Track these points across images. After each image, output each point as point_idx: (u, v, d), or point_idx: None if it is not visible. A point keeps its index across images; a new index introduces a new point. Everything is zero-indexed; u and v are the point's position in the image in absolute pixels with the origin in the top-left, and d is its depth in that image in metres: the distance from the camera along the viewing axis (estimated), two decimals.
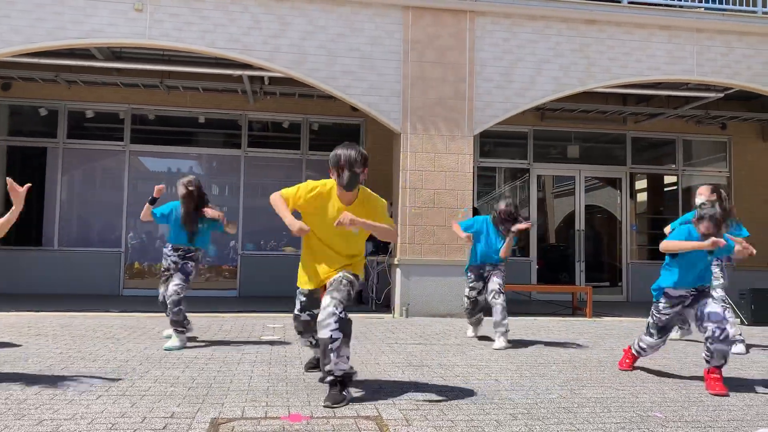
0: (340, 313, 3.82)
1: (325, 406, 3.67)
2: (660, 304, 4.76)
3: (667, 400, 4.08)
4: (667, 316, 4.74)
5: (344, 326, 3.81)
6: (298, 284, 4.30)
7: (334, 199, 4.12)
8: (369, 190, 4.24)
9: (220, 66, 9.97)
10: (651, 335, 4.86)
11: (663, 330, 4.82)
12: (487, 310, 6.47)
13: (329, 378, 3.81)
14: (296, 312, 4.28)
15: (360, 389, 4.14)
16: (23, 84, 11.26)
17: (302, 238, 4.23)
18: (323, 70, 8.68)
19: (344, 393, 3.80)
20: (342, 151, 3.99)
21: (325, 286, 4.12)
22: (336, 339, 3.77)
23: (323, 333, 3.78)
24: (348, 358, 3.87)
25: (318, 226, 4.14)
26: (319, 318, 3.85)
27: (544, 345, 6.36)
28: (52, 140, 11.47)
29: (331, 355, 3.76)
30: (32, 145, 11.51)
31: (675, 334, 6.90)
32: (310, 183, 4.16)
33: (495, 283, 6.29)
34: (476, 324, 6.82)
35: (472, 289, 6.50)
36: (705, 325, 4.42)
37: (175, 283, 5.81)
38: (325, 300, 3.89)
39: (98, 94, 11.49)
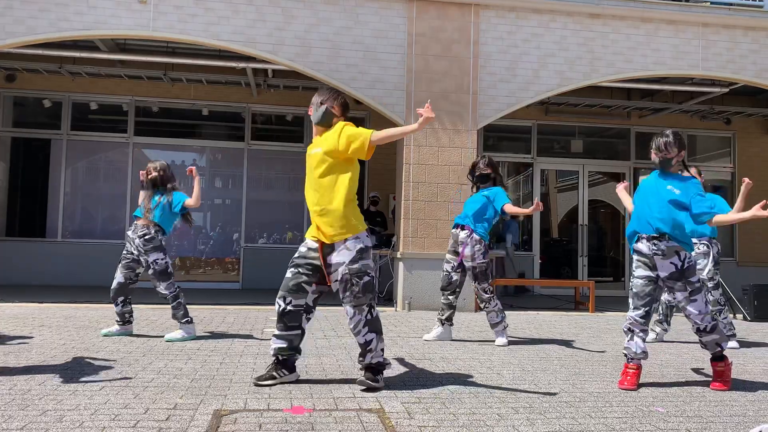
0: (367, 316, 3.97)
1: (362, 389, 3.92)
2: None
3: (669, 395, 4.08)
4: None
5: (374, 326, 4.00)
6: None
7: (315, 139, 4.18)
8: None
9: (224, 58, 9.96)
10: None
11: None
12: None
13: (364, 366, 4.03)
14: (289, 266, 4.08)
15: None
16: (27, 75, 11.27)
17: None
18: (327, 63, 8.67)
19: (378, 377, 3.99)
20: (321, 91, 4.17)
21: (322, 244, 3.96)
22: (371, 341, 3.98)
23: (359, 339, 3.99)
24: (383, 350, 4.05)
25: (308, 168, 4.13)
26: (349, 326, 4.01)
27: (547, 339, 6.37)
28: (56, 132, 11.48)
29: (368, 354, 3.99)
30: (36, 136, 11.53)
31: (651, 335, 6.41)
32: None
33: (472, 273, 5.85)
34: (444, 317, 6.05)
35: (446, 261, 6.00)
36: (690, 319, 4.38)
37: (164, 288, 5.79)
38: (348, 311, 3.97)
39: (102, 86, 11.50)
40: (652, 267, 4.31)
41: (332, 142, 3.99)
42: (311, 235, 4.08)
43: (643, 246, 4.36)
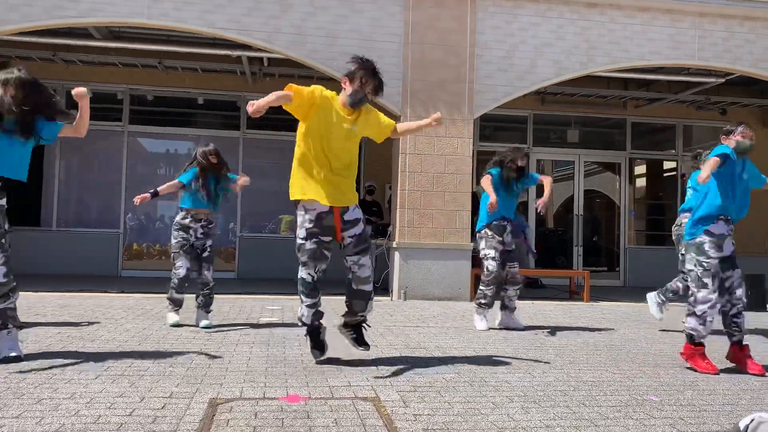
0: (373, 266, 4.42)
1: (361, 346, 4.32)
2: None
3: (663, 384, 4.11)
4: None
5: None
6: (297, 196, 4.18)
7: (338, 109, 4.22)
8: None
9: (219, 47, 9.90)
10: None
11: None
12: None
13: (360, 321, 4.40)
14: (300, 241, 4.16)
15: (358, 371, 4.17)
16: (21, 63, 11.17)
17: (301, 147, 4.22)
18: (323, 51, 8.62)
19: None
20: (365, 63, 4.29)
21: (336, 209, 4.16)
22: (373, 290, 4.40)
23: (367, 287, 4.31)
24: None
25: (323, 134, 4.15)
26: (364, 274, 4.26)
27: (541, 329, 6.39)
28: None
29: (370, 302, 4.37)
30: None
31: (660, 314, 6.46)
32: (319, 87, 4.25)
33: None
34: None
35: (493, 258, 6.16)
36: (737, 301, 4.58)
37: (211, 270, 5.91)
38: (365, 261, 4.26)
39: (96, 74, 11.42)
40: (720, 247, 4.49)
41: (375, 129, 4.41)
42: (326, 200, 4.13)
43: (722, 227, 4.49)
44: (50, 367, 4.00)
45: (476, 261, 10.30)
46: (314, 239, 4.15)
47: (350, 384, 3.81)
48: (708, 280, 4.40)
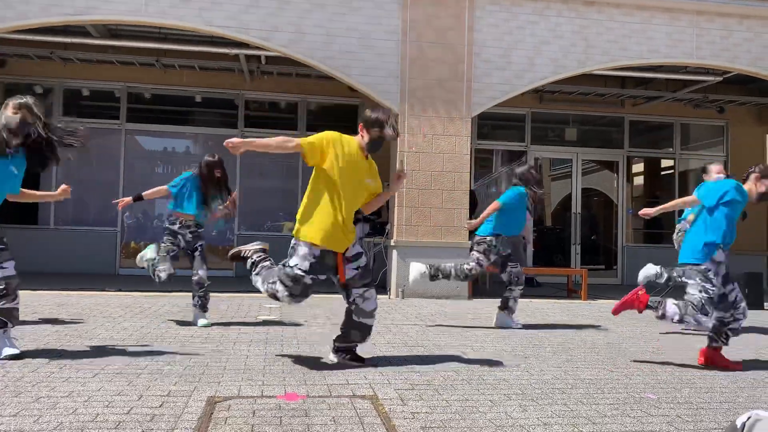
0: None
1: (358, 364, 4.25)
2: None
3: (660, 382, 4.11)
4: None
5: None
6: (311, 239, 4.04)
7: (359, 155, 4.22)
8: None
9: (217, 44, 9.89)
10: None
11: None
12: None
13: (354, 346, 4.36)
14: (299, 272, 4.00)
15: (356, 369, 4.17)
16: (18, 61, 11.15)
17: (321, 190, 4.11)
18: (321, 49, 8.62)
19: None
20: (390, 132, 4.19)
21: (342, 254, 4.16)
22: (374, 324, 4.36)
23: (370, 321, 4.26)
24: None
25: (345, 180, 4.10)
26: (369, 308, 4.20)
27: (539, 327, 6.40)
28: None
29: (369, 336, 4.34)
30: None
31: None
32: (336, 133, 4.24)
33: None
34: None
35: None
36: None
37: (205, 269, 5.90)
38: (370, 293, 4.21)
39: (94, 72, 11.39)
40: (718, 275, 4.53)
41: (377, 183, 4.36)
42: (340, 248, 4.13)
43: (723, 256, 4.55)
44: (48, 366, 3.99)
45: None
46: (312, 276, 4.05)
47: (348, 382, 3.82)
48: (711, 309, 4.45)
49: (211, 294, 6.05)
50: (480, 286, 10.36)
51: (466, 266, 6.21)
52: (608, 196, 13.20)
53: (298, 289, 4.03)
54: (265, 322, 6.10)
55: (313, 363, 4.32)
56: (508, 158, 12.95)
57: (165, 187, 5.90)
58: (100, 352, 4.48)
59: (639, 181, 13.68)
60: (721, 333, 4.61)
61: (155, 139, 11.93)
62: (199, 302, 5.86)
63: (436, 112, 8.85)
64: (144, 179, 10.78)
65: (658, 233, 13.02)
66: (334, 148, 4.11)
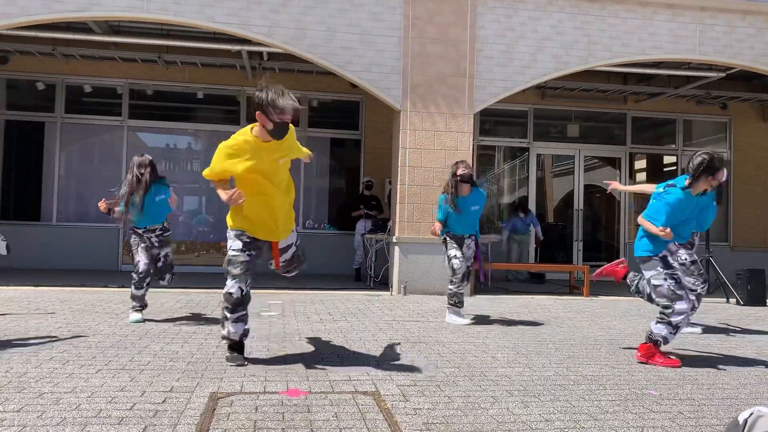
0: None
1: None
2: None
3: (662, 378, 4.11)
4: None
5: None
6: (238, 226, 4.08)
7: (259, 144, 3.96)
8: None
9: (219, 41, 9.87)
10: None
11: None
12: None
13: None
14: (234, 252, 4.04)
15: (358, 365, 4.18)
16: (20, 58, 11.16)
17: (241, 187, 4.01)
18: (323, 45, 8.61)
19: None
20: (290, 103, 3.85)
21: (274, 243, 4.25)
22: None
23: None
24: None
25: (254, 179, 4.00)
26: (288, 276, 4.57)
27: (541, 323, 6.40)
28: (49, 115, 11.40)
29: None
30: (30, 119, 11.44)
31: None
32: (231, 143, 3.96)
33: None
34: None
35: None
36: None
37: (167, 278, 6.00)
38: (295, 272, 4.62)
39: (96, 69, 11.40)
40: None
41: (291, 147, 4.21)
42: (261, 236, 4.15)
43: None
44: (51, 362, 4.01)
45: (475, 256, 10.32)
46: (248, 252, 4.07)
47: (350, 378, 3.82)
48: (681, 292, 4.47)
49: (214, 290, 6.06)
50: (481, 283, 10.36)
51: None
52: (610, 192, 13.18)
53: (239, 269, 4.02)
54: (267, 319, 6.10)
55: (316, 359, 4.33)
56: (511, 155, 12.95)
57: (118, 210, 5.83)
58: (102, 348, 4.49)
59: (641, 177, 13.66)
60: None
61: (157, 136, 11.94)
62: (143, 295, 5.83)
63: (438, 108, 8.84)
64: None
65: None
66: (230, 157, 3.95)
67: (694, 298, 4.98)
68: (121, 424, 2.86)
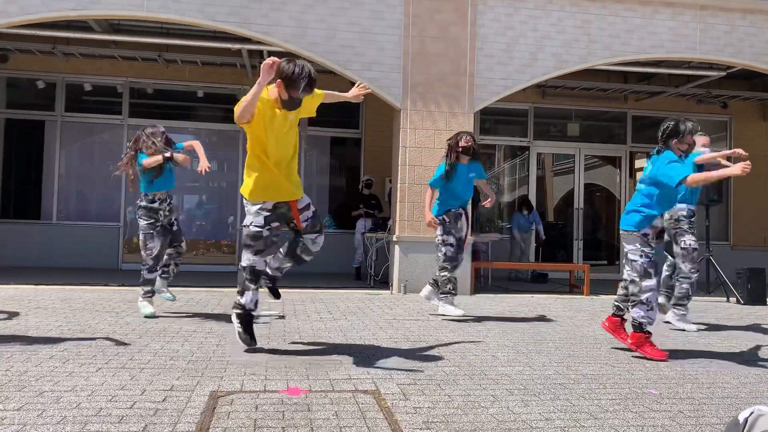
0: None
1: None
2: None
3: (663, 377, 4.11)
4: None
5: None
6: (253, 198, 4.26)
7: (274, 108, 4.18)
8: None
9: (219, 39, 9.87)
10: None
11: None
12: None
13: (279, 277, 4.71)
14: (256, 229, 4.23)
15: (358, 364, 4.18)
16: (20, 56, 11.16)
17: (253, 149, 4.25)
18: (323, 44, 8.60)
19: None
20: (308, 67, 4.07)
21: (293, 203, 4.36)
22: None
23: (308, 258, 4.60)
24: None
25: (266, 137, 4.19)
26: (314, 249, 4.53)
27: (541, 322, 6.40)
28: (50, 113, 11.40)
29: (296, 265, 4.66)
30: (30, 118, 11.45)
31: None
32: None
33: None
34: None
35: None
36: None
37: (185, 241, 6.28)
38: (321, 239, 4.55)
39: (96, 67, 11.40)
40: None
41: (308, 106, 4.43)
42: (278, 199, 4.31)
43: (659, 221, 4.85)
44: (51, 360, 4.01)
45: (476, 254, 10.33)
46: (269, 227, 4.28)
47: (350, 377, 3.82)
48: (652, 270, 4.65)
49: (214, 289, 6.07)
50: (481, 281, 10.36)
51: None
52: (611, 191, 13.18)
53: (261, 245, 4.27)
54: (267, 318, 6.10)
55: (316, 358, 4.33)
56: (511, 153, 12.94)
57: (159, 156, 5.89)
58: (103, 346, 4.50)
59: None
60: (625, 303, 4.89)
61: None
62: (174, 271, 6.16)
63: (438, 107, 8.84)
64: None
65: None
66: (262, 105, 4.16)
67: (687, 286, 5.77)
68: (121, 422, 2.86)
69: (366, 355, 4.46)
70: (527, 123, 12.56)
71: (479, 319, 6.44)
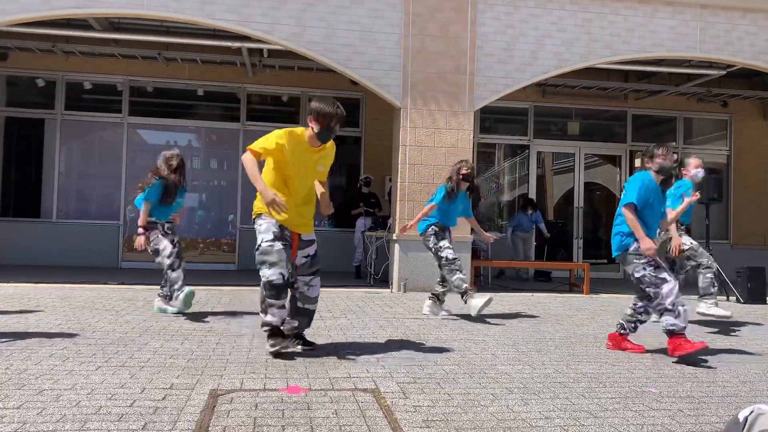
0: None
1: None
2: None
3: (662, 375, 4.12)
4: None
5: None
6: (267, 213, 4.29)
7: (306, 145, 4.38)
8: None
9: (219, 38, 9.87)
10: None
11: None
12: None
13: (301, 332, 4.55)
14: (268, 244, 4.21)
15: (358, 363, 4.18)
16: (20, 54, 11.15)
17: (274, 176, 4.35)
18: (323, 42, 8.59)
19: None
20: (338, 110, 4.34)
21: (295, 235, 4.39)
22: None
23: (313, 307, 4.51)
24: None
25: (294, 172, 4.34)
26: (314, 294, 4.47)
27: (541, 321, 6.40)
28: (50, 111, 11.39)
29: (311, 321, 4.58)
30: (30, 116, 11.44)
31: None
32: (286, 131, 4.33)
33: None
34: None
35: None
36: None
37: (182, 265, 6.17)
38: (316, 281, 4.48)
39: (96, 65, 11.39)
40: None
41: (327, 158, 4.57)
42: (287, 225, 4.34)
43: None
44: (51, 358, 4.01)
45: (476, 253, 10.32)
46: (281, 242, 4.26)
47: (350, 375, 3.82)
48: (663, 274, 4.62)
49: (214, 287, 6.07)
50: (482, 280, 10.36)
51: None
52: (611, 190, 13.18)
53: (276, 257, 4.20)
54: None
55: (316, 356, 4.33)
56: (511, 152, 12.94)
57: (147, 203, 6.03)
58: (102, 345, 4.49)
59: None
60: (629, 321, 4.95)
61: (157, 133, 11.92)
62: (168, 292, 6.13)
63: (438, 105, 8.83)
64: (146, 173, 10.77)
65: None
66: (283, 143, 4.28)
67: (711, 275, 5.98)
68: (121, 420, 2.86)
69: (366, 354, 4.46)
70: (527, 121, 12.55)
71: (479, 318, 6.44)
